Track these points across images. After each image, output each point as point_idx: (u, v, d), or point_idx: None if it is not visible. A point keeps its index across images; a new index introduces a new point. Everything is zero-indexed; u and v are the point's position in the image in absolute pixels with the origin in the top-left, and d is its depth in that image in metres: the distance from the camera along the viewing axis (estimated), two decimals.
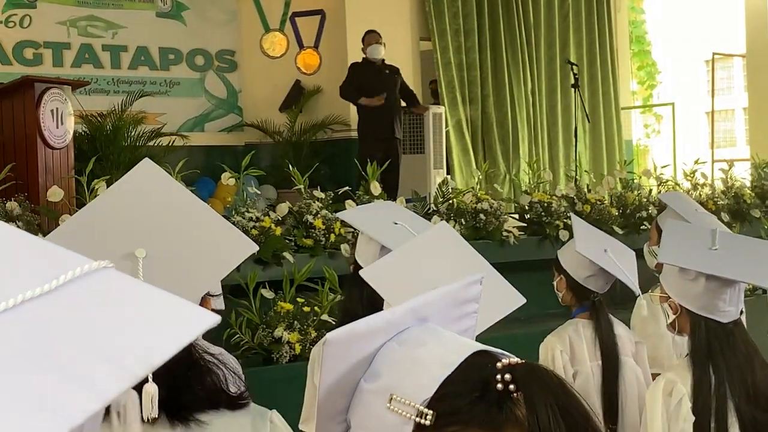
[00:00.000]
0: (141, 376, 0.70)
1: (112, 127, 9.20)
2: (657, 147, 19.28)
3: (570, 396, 1.13)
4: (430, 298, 1.25)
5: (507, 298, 2.50)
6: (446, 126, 10.61)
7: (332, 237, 6.10)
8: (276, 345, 5.21)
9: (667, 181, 8.47)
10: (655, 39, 20.53)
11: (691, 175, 8.65)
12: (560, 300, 3.78)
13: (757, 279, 3.04)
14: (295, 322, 5.27)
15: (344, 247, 5.97)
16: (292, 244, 6.02)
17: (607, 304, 3.74)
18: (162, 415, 1.63)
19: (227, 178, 6.05)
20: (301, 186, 6.23)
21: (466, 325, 1.31)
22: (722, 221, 6.25)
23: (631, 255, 3.74)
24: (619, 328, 3.69)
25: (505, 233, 7.14)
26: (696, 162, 8.74)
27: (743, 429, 2.72)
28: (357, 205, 5.86)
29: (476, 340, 1.24)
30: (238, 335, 5.23)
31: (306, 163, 8.70)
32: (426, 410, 1.13)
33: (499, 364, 1.13)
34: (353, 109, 9.50)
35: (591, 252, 3.56)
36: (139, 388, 1.53)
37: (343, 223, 6.03)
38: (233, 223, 4.77)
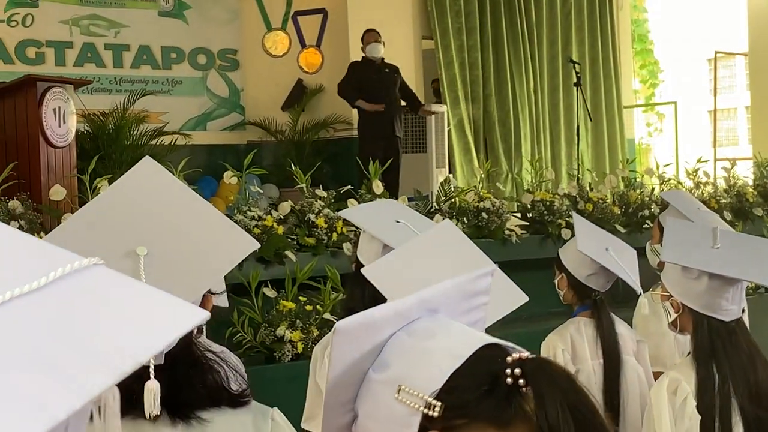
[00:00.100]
0: (127, 372, 0.70)
1: (115, 126, 9.21)
2: (659, 146, 19.27)
3: (579, 392, 1.13)
4: (440, 290, 1.24)
5: (510, 297, 2.50)
6: (448, 125, 10.61)
7: (334, 236, 6.10)
8: (278, 344, 5.22)
9: (670, 179, 8.46)
10: (658, 37, 20.50)
11: (694, 174, 8.65)
12: (562, 298, 3.78)
13: (759, 277, 3.04)
14: (298, 320, 5.27)
15: (346, 246, 5.97)
16: (295, 242, 6.02)
17: (609, 302, 3.74)
18: (163, 413, 1.63)
19: (229, 177, 6.05)
20: (304, 185, 6.23)
21: (476, 317, 1.31)
22: (724, 220, 6.25)
23: (633, 253, 3.74)
24: (620, 326, 3.69)
25: (507, 232, 7.14)
26: (698, 161, 8.73)
27: (747, 427, 2.73)
28: (359, 203, 5.86)
29: None
30: (240, 334, 5.23)
31: (308, 162, 8.70)
32: (434, 402, 1.12)
33: (509, 358, 1.12)
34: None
35: (592, 250, 3.56)
36: (141, 385, 1.54)
37: (345, 222, 6.03)
38: (235, 222, 4.77)
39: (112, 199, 1.83)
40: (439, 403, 1.12)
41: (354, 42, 9.91)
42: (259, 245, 1.94)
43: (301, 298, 5.42)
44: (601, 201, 7.80)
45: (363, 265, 2.86)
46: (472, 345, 1.16)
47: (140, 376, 1.50)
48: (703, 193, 8.39)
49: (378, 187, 6.42)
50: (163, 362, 1.57)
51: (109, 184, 2.05)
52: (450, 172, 10.16)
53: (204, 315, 0.77)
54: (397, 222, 3.10)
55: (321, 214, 6.11)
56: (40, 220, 5.58)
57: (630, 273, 3.57)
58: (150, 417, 1.58)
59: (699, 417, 2.75)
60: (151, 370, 1.53)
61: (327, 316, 5.31)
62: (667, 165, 8.71)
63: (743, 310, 2.95)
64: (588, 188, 8.16)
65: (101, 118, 9.25)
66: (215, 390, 1.77)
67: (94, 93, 9.82)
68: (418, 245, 2.54)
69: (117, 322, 0.74)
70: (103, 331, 0.72)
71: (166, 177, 1.88)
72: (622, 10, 13.68)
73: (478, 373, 1.14)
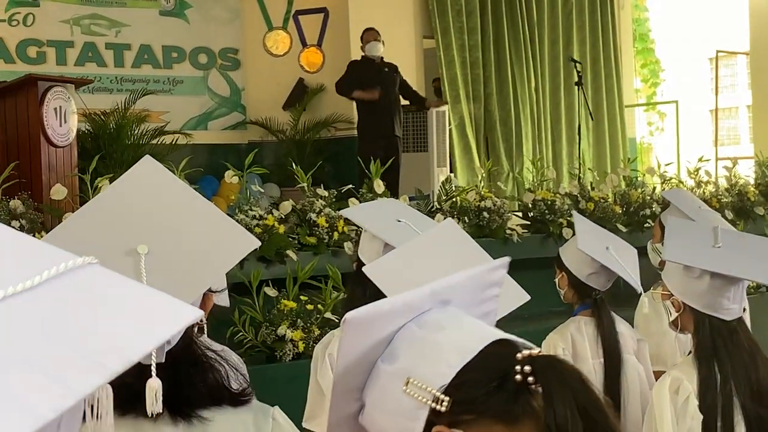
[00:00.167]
0: (118, 372, 0.69)
1: (116, 126, 9.21)
2: (660, 145, 19.25)
3: (589, 393, 1.12)
4: (453, 281, 1.23)
5: (512, 295, 2.50)
6: (449, 124, 10.61)
7: (335, 235, 6.10)
8: (279, 343, 5.21)
9: (671, 178, 8.46)
10: (659, 37, 20.48)
11: (695, 173, 8.64)
12: (562, 297, 3.78)
13: (760, 276, 3.04)
14: (299, 320, 5.27)
15: (347, 245, 5.97)
16: (296, 242, 6.01)
17: (610, 301, 3.73)
18: (164, 412, 1.63)
19: (231, 177, 6.05)
20: (305, 184, 6.23)
21: (488, 308, 1.30)
22: (726, 219, 6.24)
23: (633, 252, 3.73)
24: (621, 325, 3.69)
25: (508, 231, 7.13)
26: (700, 160, 8.73)
27: (748, 426, 2.72)
28: (360, 203, 5.86)
29: None
30: (241, 333, 5.23)
31: (309, 161, 8.71)
32: (442, 397, 1.12)
33: (519, 355, 1.12)
34: (356, 107, 9.50)
35: (593, 249, 3.56)
36: (142, 384, 1.54)
37: (347, 221, 6.03)
38: (237, 222, 4.77)
39: (112, 199, 1.83)
40: (447, 398, 1.12)
41: (355, 41, 9.91)
42: (260, 244, 1.93)
43: (302, 297, 5.42)
44: (602, 200, 7.80)
45: (364, 264, 2.86)
46: (483, 340, 1.15)
47: (141, 374, 1.50)
48: (704, 192, 8.39)
49: (379, 186, 6.41)
50: (164, 360, 1.57)
51: (110, 184, 2.05)
52: (451, 172, 10.16)
53: (197, 314, 0.77)
54: (399, 221, 3.10)
55: (322, 214, 6.11)
56: (41, 220, 5.59)
57: (630, 272, 3.57)
58: (152, 415, 1.58)
59: (701, 416, 2.74)
60: (153, 368, 1.53)
61: (328, 315, 5.31)
62: (668, 164, 8.70)
63: (744, 309, 2.94)
64: (589, 187, 8.15)
65: (102, 117, 9.25)
66: (216, 389, 1.77)
67: (95, 92, 9.82)
68: (420, 244, 2.54)
69: (109, 321, 0.73)
70: (95, 330, 0.72)
71: (166, 176, 1.88)
72: (623, 9, 13.68)
73: (488, 369, 1.13)
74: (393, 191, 7.62)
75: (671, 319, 2.96)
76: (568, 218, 7.26)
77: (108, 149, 8.64)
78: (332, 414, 1.23)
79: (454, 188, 7.38)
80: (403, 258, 2.38)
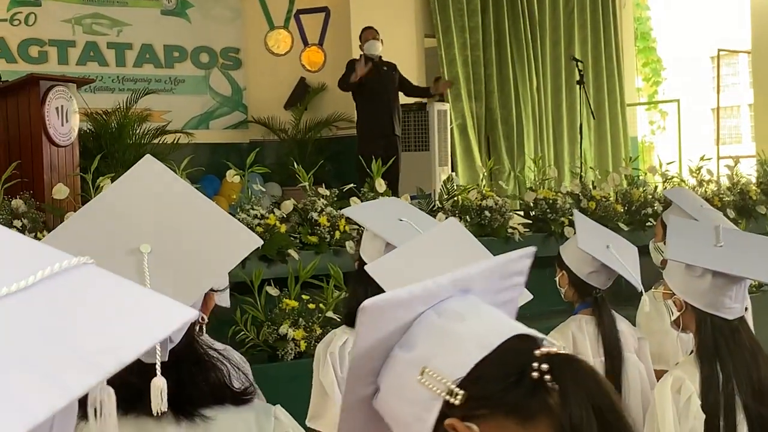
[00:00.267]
0: (111, 372, 0.69)
1: (117, 125, 9.21)
2: (662, 144, 19.24)
3: (606, 394, 1.11)
4: (475, 270, 1.22)
5: None
6: (451, 123, 10.61)
7: (337, 234, 6.10)
8: (281, 342, 5.22)
9: (673, 177, 8.45)
10: (660, 35, 20.46)
11: (697, 172, 8.63)
12: (563, 296, 3.78)
13: (762, 275, 3.03)
14: (300, 319, 5.27)
15: (349, 244, 5.97)
16: (297, 241, 6.02)
17: (612, 300, 3.73)
18: (167, 410, 1.63)
19: (232, 176, 6.05)
20: (306, 183, 6.23)
21: (510, 296, 1.28)
22: (728, 218, 6.24)
23: (634, 251, 3.73)
24: (621, 324, 3.68)
25: (510, 230, 7.13)
26: (701, 158, 8.72)
27: (750, 426, 2.72)
28: (362, 202, 5.86)
29: None
30: (243, 332, 5.23)
31: (311, 161, 8.71)
32: (457, 390, 1.11)
33: (537, 352, 1.11)
34: (356, 106, 9.49)
35: (593, 248, 3.56)
36: (145, 383, 1.54)
37: (348, 220, 6.03)
38: (238, 221, 4.77)
39: (113, 198, 1.83)
40: (462, 392, 1.11)
41: (356, 40, 9.91)
42: (262, 243, 1.93)
43: (303, 296, 5.42)
44: (604, 199, 7.80)
45: (366, 264, 2.86)
46: (502, 334, 1.14)
47: (144, 373, 1.51)
48: (706, 191, 8.38)
49: (381, 185, 6.41)
50: (167, 359, 1.57)
51: (112, 183, 2.05)
52: (452, 171, 10.16)
53: (192, 314, 0.77)
54: (400, 220, 3.10)
55: (324, 213, 6.11)
56: (43, 219, 5.59)
57: (631, 270, 3.57)
58: (158, 414, 1.58)
59: (703, 416, 2.74)
60: (158, 367, 1.53)
61: (330, 314, 5.31)
62: (670, 163, 8.70)
63: (746, 309, 2.94)
64: (591, 186, 8.15)
65: (104, 116, 9.25)
66: (218, 388, 1.77)
67: (97, 92, 9.83)
68: (422, 243, 2.54)
69: (103, 321, 0.73)
70: (89, 330, 0.71)
71: (166, 175, 1.88)
72: (624, 8, 13.68)
73: (505, 365, 1.12)
74: (393, 190, 7.61)
75: (673, 318, 2.95)
76: (570, 217, 7.26)
77: (110, 149, 8.64)
78: (346, 396, 1.22)
79: (455, 187, 7.38)
80: (405, 257, 2.38)
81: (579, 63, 10.31)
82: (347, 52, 10.21)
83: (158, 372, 1.53)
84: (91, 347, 0.70)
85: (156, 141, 9.54)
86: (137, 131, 9.42)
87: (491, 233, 6.98)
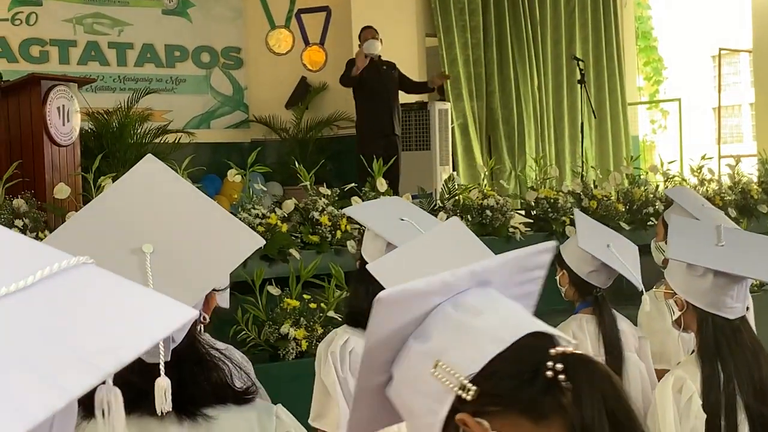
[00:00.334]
0: (110, 372, 0.69)
1: (119, 125, 9.22)
2: (663, 143, 19.25)
3: (619, 397, 1.10)
4: (494, 263, 1.21)
5: None
6: (452, 122, 10.61)
7: (338, 233, 6.10)
8: (282, 341, 5.22)
9: (674, 176, 8.45)
10: (662, 35, 20.46)
11: (698, 171, 8.63)
12: (563, 295, 3.78)
13: (764, 275, 3.03)
14: (302, 318, 5.27)
15: (350, 244, 5.97)
16: (299, 240, 6.02)
17: (613, 299, 3.73)
18: (170, 410, 1.63)
19: (233, 175, 6.05)
20: (307, 183, 6.23)
21: (529, 289, 1.27)
22: (729, 217, 6.23)
23: (634, 250, 3.73)
24: (622, 323, 3.68)
25: (511, 229, 7.13)
26: (703, 158, 8.72)
27: (752, 425, 2.72)
28: (363, 201, 5.86)
29: None
30: (244, 332, 5.23)
31: (312, 160, 8.70)
32: (469, 385, 1.10)
33: (552, 351, 1.10)
34: (355, 105, 9.49)
35: (593, 247, 3.55)
36: (148, 382, 1.54)
37: (349, 220, 6.03)
38: (240, 220, 4.78)
39: (115, 198, 1.83)
40: (474, 388, 1.10)
41: (357, 40, 9.91)
42: (264, 242, 1.93)
43: (305, 295, 5.42)
44: (605, 198, 7.80)
45: (367, 263, 2.86)
46: (518, 331, 1.13)
47: (146, 373, 1.51)
48: (707, 190, 8.38)
49: (382, 184, 6.41)
50: (169, 358, 1.57)
51: (113, 183, 2.05)
52: (454, 170, 10.16)
53: (192, 314, 0.76)
54: (402, 220, 3.09)
55: (325, 212, 6.11)
56: (45, 219, 5.59)
57: (632, 269, 3.57)
58: (162, 414, 1.58)
59: (704, 415, 2.74)
60: (161, 367, 1.53)
61: (331, 313, 5.31)
62: (671, 162, 8.69)
63: (747, 308, 2.94)
64: (592, 185, 8.15)
65: (105, 116, 9.26)
66: (220, 387, 1.78)
67: (98, 91, 9.83)
68: (425, 242, 2.53)
69: (102, 321, 0.73)
70: (88, 330, 0.71)
71: (168, 174, 1.88)
72: (625, 7, 13.67)
73: (519, 362, 1.11)
74: (393, 190, 7.62)
75: (674, 317, 2.95)
76: (571, 216, 7.25)
77: (111, 148, 8.65)
78: (359, 384, 1.21)
79: (456, 186, 7.38)
80: (407, 256, 2.38)
81: (580, 62, 10.31)
82: (348, 51, 10.20)
83: (162, 372, 1.53)
84: (91, 347, 0.70)
85: (157, 140, 9.54)
86: (138, 131, 9.42)
87: (492, 232, 6.97)
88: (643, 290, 3.63)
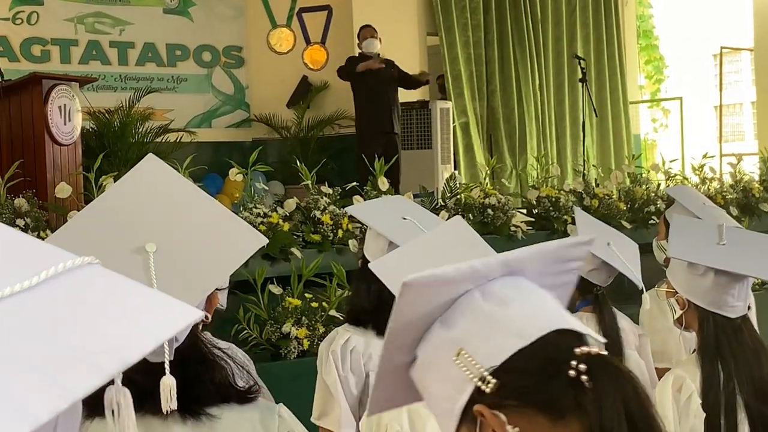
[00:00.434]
0: (113, 373, 0.69)
1: (120, 124, 9.22)
2: (665, 141, 19.23)
3: (641, 401, 1.10)
4: (527, 254, 1.19)
5: None
6: (453, 121, 10.61)
7: (340, 232, 6.10)
8: (284, 341, 5.22)
9: (676, 175, 8.45)
10: (663, 33, 20.44)
11: (700, 170, 8.62)
12: None
13: (765, 273, 3.03)
14: (303, 317, 5.27)
15: (352, 243, 5.97)
16: (300, 239, 6.01)
17: (614, 298, 3.73)
18: (174, 410, 1.63)
19: (235, 174, 6.05)
20: (309, 182, 6.22)
21: (564, 279, 1.25)
22: (731, 215, 6.23)
23: (635, 248, 3.72)
24: (623, 321, 3.68)
25: (513, 228, 7.13)
26: (704, 156, 8.71)
27: (752, 425, 2.71)
28: (365, 200, 5.85)
29: None
30: (246, 331, 5.23)
31: (313, 159, 8.70)
32: (489, 378, 1.10)
33: (577, 350, 1.09)
34: (355, 105, 9.49)
35: (593, 245, 3.54)
36: (152, 382, 1.54)
37: (351, 219, 6.03)
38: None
39: (116, 198, 1.83)
40: (494, 381, 1.09)
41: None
42: (267, 241, 1.93)
43: (306, 294, 5.41)
44: (606, 197, 7.79)
45: (369, 262, 2.86)
46: (544, 326, 1.12)
47: (150, 372, 1.51)
48: (709, 189, 8.37)
49: (383, 183, 6.41)
50: (173, 357, 1.57)
51: (115, 182, 2.05)
52: (455, 169, 10.16)
53: (197, 315, 0.76)
54: (404, 219, 3.09)
55: (326, 211, 6.11)
56: (46, 218, 5.59)
57: (632, 268, 3.56)
58: (167, 412, 1.58)
59: (704, 414, 2.74)
60: (167, 366, 1.53)
61: (333, 312, 5.31)
62: (673, 161, 8.69)
63: (749, 307, 2.94)
64: (594, 184, 8.14)
65: (106, 115, 9.26)
66: (223, 386, 1.78)
67: (100, 90, 9.83)
68: (427, 241, 2.53)
69: (107, 322, 0.73)
70: (92, 331, 0.71)
71: (169, 174, 1.88)
72: (627, 5, 13.67)
73: (542, 359, 1.10)
74: (394, 188, 7.62)
75: (676, 316, 2.95)
76: (573, 215, 7.25)
77: (112, 147, 8.65)
78: (382, 363, 1.21)
79: (458, 185, 7.38)
80: (409, 255, 2.38)
81: (581, 61, 10.31)
82: (349, 50, 10.20)
83: (167, 371, 1.53)
84: (95, 348, 0.69)
85: (159, 140, 9.54)
86: (140, 130, 9.43)
87: (494, 231, 6.97)
88: (644, 289, 3.63)
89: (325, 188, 6.28)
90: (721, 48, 16.20)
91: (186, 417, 1.72)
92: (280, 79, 11.16)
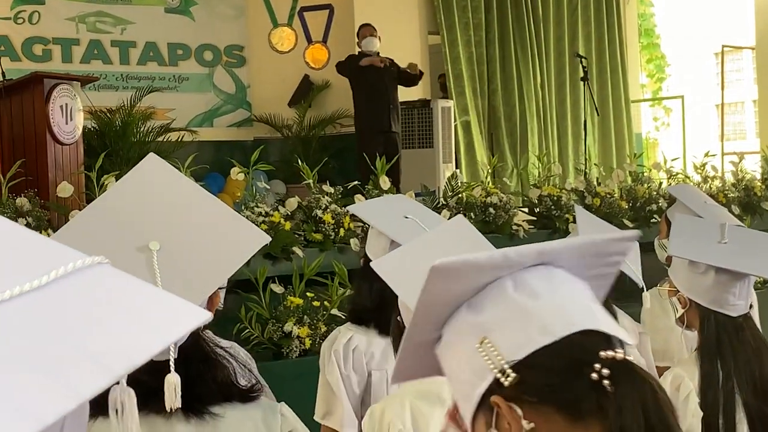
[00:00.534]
0: (122, 374, 0.68)
1: (122, 123, 9.23)
2: (666, 140, 19.22)
3: (662, 410, 1.09)
4: (563, 246, 1.17)
5: None
6: (455, 120, 10.60)
7: (341, 231, 6.10)
8: (286, 340, 5.22)
9: (677, 174, 8.44)
10: (664, 31, 20.44)
11: (701, 168, 8.62)
12: None
13: (766, 272, 3.03)
14: (305, 316, 5.27)
15: (353, 242, 5.97)
16: (302, 238, 6.02)
17: (617, 296, 3.72)
18: (177, 408, 1.63)
19: (236, 173, 6.05)
20: (310, 181, 6.22)
21: (605, 271, 1.24)
22: (733, 214, 6.23)
23: (636, 247, 3.72)
24: (623, 319, 3.67)
25: (514, 227, 7.13)
26: (706, 155, 8.71)
27: (751, 423, 2.71)
28: (366, 199, 5.85)
29: None
30: (248, 330, 5.23)
31: (315, 158, 8.70)
32: (509, 371, 1.09)
33: (602, 354, 1.08)
34: (354, 104, 9.48)
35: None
36: (156, 380, 1.54)
37: (353, 218, 6.03)
38: None
39: (117, 196, 1.83)
40: (514, 375, 1.09)
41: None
42: (270, 239, 1.93)
43: (308, 294, 5.41)
44: (608, 195, 7.79)
45: (371, 261, 2.86)
46: (570, 326, 1.10)
47: (153, 371, 1.51)
48: (710, 187, 8.36)
49: (385, 182, 6.41)
50: (176, 356, 1.57)
51: (117, 181, 2.05)
52: (456, 167, 10.15)
53: (206, 316, 0.76)
54: (406, 218, 3.09)
55: (328, 210, 6.11)
56: (48, 217, 5.59)
57: (632, 266, 3.56)
58: (171, 410, 1.58)
59: (701, 414, 2.73)
60: (171, 364, 1.53)
61: (334, 311, 5.31)
62: (674, 159, 8.69)
63: (751, 306, 2.93)
64: (595, 183, 8.14)
65: (108, 114, 9.27)
66: (226, 385, 1.78)
67: (101, 90, 9.83)
68: (429, 240, 2.53)
69: (116, 322, 0.72)
70: (101, 332, 0.71)
71: (171, 173, 1.88)
72: (628, 4, 13.66)
73: (566, 359, 1.09)
74: (394, 187, 7.62)
75: (678, 315, 2.95)
76: (575, 214, 7.24)
77: (114, 146, 8.66)
78: (407, 339, 1.20)
79: (459, 184, 7.38)
80: (411, 254, 2.37)
81: (583, 59, 10.30)
82: (351, 49, 10.20)
83: (172, 368, 1.53)
84: (103, 348, 0.69)
85: (160, 139, 9.55)
86: (141, 129, 9.43)
87: (496, 230, 6.97)
88: (644, 287, 3.63)
89: (326, 187, 6.28)
90: (723, 46, 16.20)
91: (189, 416, 1.72)
92: (281, 78, 11.16)
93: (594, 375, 1.07)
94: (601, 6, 12.87)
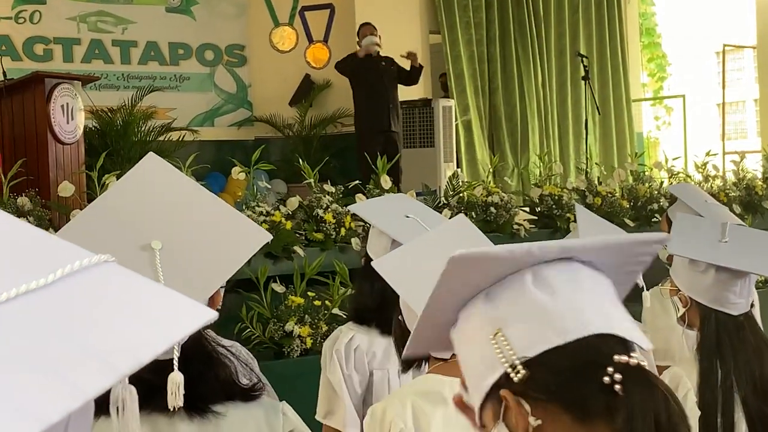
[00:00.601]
0: (126, 373, 0.68)
1: (123, 122, 9.23)
2: (668, 139, 19.21)
3: (672, 418, 1.08)
4: (589, 244, 1.16)
5: None
6: (456, 119, 10.60)
7: (343, 231, 6.10)
8: (287, 339, 5.22)
9: (678, 173, 8.44)
10: (665, 31, 20.44)
11: (703, 167, 8.62)
12: None
13: (766, 270, 3.03)
14: (306, 316, 5.27)
15: (355, 241, 5.97)
16: (303, 238, 6.02)
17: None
18: (179, 407, 1.63)
19: (237, 173, 6.05)
20: (311, 180, 6.22)
21: (632, 269, 1.22)
22: (734, 213, 6.23)
23: None
24: None
25: (515, 226, 7.13)
26: (707, 154, 8.71)
27: (750, 422, 2.70)
28: (367, 199, 5.85)
29: None
30: (249, 329, 5.23)
31: (316, 157, 8.70)
32: (520, 368, 1.08)
33: (616, 358, 1.07)
34: (354, 104, 9.48)
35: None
36: (159, 379, 1.54)
37: (354, 217, 6.03)
38: None
39: (118, 196, 1.84)
40: (524, 372, 1.08)
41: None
42: (272, 238, 1.94)
43: (309, 293, 5.41)
44: (609, 195, 7.79)
45: (372, 260, 2.85)
46: (587, 327, 1.09)
47: (156, 369, 1.51)
48: (712, 187, 8.36)
49: (386, 181, 6.41)
50: (179, 354, 1.57)
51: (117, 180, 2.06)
52: (458, 167, 10.15)
53: (211, 315, 0.76)
54: (407, 217, 3.09)
55: (329, 210, 6.11)
56: (49, 217, 5.59)
57: None
58: (174, 409, 1.58)
59: (698, 413, 2.73)
60: (175, 363, 1.53)
61: (335, 311, 5.31)
62: (675, 158, 8.68)
63: (752, 304, 2.93)
64: (596, 182, 8.14)
65: (109, 114, 9.27)
66: (227, 384, 1.78)
67: (102, 89, 9.83)
68: (430, 239, 2.53)
69: (122, 321, 0.72)
70: (107, 330, 0.71)
71: (171, 172, 1.88)
72: (629, 3, 13.66)
73: (578, 360, 1.08)
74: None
75: (679, 314, 2.95)
76: (576, 213, 7.24)
77: (115, 146, 8.66)
78: (423, 317, 1.20)
79: (461, 183, 7.38)
80: (413, 253, 2.37)
81: (584, 58, 10.30)
82: (352, 48, 10.19)
83: (175, 367, 1.53)
84: (109, 347, 0.69)
85: (161, 138, 9.55)
86: (142, 128, 9.43)
87: (497, 229, 6.97)
88: (644, 287, 3.62)
89: (327, 186, 6.28)
90: (724, 45, 16.20)
91: (192, 414, 1.72)
92: (282, 78, 11.16)
93: (606, 379, 1.06)
94: (602, 5, 12.86)
